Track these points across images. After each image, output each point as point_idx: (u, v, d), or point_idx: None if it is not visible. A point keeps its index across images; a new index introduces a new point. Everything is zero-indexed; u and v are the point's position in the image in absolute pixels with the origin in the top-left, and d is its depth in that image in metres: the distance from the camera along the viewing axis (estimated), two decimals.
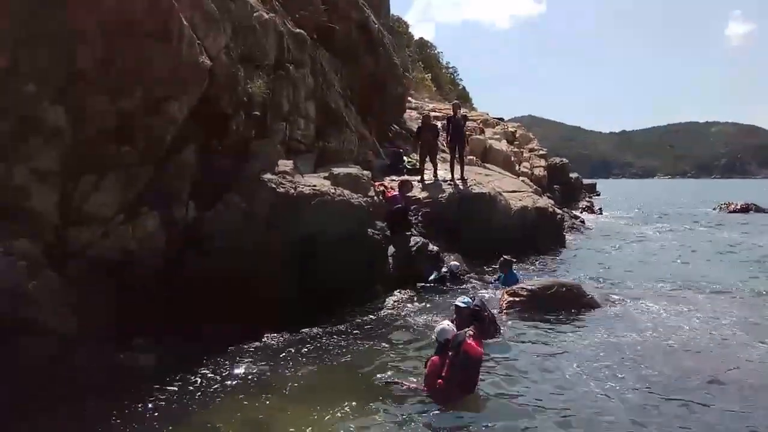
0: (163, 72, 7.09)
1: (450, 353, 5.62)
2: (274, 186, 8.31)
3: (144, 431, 5.05)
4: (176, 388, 5.86)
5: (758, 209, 32.08)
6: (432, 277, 10.60)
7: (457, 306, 7.12)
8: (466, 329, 5.99)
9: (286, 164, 9.01)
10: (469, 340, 5.72)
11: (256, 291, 7.62)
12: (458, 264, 11.13)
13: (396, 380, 6.09)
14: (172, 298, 7.09)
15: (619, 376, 6.31)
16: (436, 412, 5.41)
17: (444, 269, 10.84)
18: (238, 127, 8.60)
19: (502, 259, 10.41)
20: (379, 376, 6.31)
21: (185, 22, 7.15)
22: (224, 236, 7.76)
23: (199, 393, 5.82)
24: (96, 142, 6.72)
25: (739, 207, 32.75)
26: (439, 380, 5.56)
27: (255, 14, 9.38)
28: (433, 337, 6.12)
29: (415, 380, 6.00)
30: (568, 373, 6.42)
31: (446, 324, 6.06)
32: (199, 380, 6.09)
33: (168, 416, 5.29)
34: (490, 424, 5.23)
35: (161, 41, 6.96)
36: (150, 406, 5.47)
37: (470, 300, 7.31)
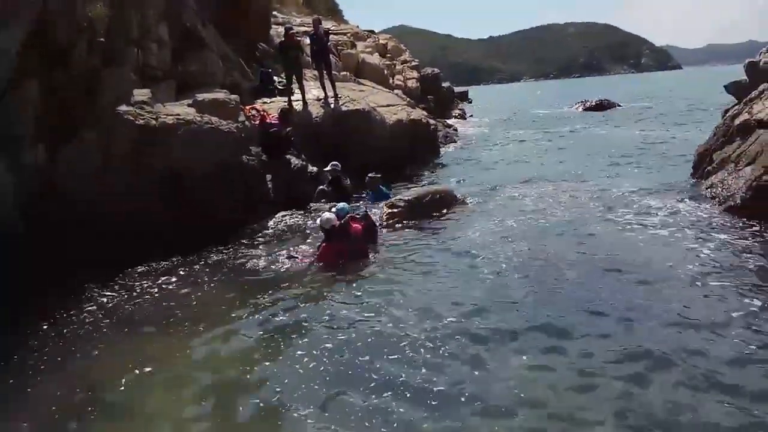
0: None
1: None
2: (131, 118, 7.77)
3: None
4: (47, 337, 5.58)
5: (610, 104, 35.08)
6: (319, 188, 10.54)
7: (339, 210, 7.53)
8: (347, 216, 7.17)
9: (142, 94, 8.39)
10: (353, 223, 7.13)
11: (125, 230, 7.29)
12: (336, 163, 10.79)
13: (295, 255, 7.22)
14: (30, 249, 6.60)
15: (494, 258, 7.00)
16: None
17: (328, 174, 10.71)
18: (82, 56, 7.80)
19: (369, 176, 10.59)
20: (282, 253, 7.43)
21: None
22: (83, 177, 7.23)
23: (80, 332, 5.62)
24: None
25: (594, 104, 35.51)
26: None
27: None
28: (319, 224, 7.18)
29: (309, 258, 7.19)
30: (457, 265, 6.98)
31: (329, 213, 7.11)
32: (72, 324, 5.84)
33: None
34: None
35: None
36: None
37: (346, 206, 7.85)
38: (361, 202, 10.63)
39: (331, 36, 16.71)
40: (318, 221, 7.34)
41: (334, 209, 7.60)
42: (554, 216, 8.84)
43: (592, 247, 7.30)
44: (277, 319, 5.67)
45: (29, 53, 7.01)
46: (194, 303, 6.16)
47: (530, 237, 7.82)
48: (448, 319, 5.33)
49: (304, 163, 11.23)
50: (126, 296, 6.42)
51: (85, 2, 7.93)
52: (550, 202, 9.79)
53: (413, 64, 28.44)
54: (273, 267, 7.16)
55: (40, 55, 7.25)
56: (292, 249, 7.74)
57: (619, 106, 34.74)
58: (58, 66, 7.57)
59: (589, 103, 35.64)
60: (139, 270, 7.14)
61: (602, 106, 34.82)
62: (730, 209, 8.19)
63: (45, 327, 5.70)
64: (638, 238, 7.60)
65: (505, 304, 5.70)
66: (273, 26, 18.48)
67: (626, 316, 5.25)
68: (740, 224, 7.68)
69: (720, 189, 8.82)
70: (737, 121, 9.65)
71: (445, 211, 9.34)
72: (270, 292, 6.36)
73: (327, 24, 23.39)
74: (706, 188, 9.31)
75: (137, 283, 6.79)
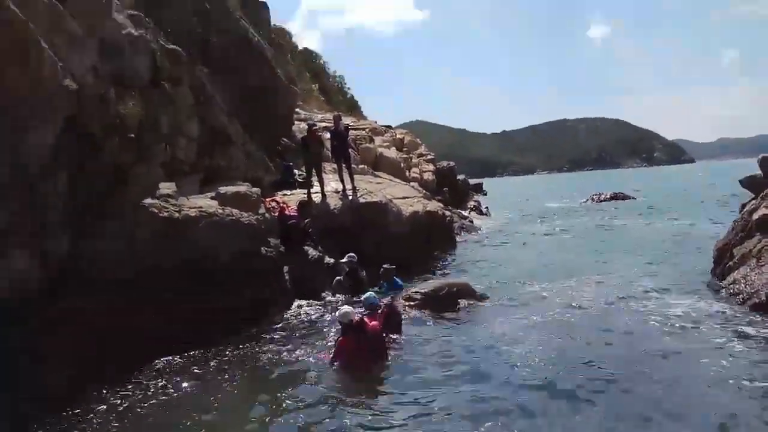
0: (24, 98, 6.59)
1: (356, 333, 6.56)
2: (155, 211, 7.98)
3: None
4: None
5: (624, 197, 35.37)
6: (336, 279, 10.53)
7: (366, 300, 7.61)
8: (363, 312, 7.05)
9: (168, 187, 8.67)
10: (367, 320, 6.80)
11: (145, 320, 7.28)
12: (353, 255, 10.86)
13: (317, 354, 7.09)
14: (51, 339, 6.59)
15: (518, 352, 6.83)
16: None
17: (345, 266, 10.75)
18: (112, 151, 8.15)
19: (384, 267, 10.60)
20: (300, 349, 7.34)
21: (44, 44, 6.68)
22: (106, 266, 7.33)
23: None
24: None
25: (608, 196, 35.81)
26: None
27: (124, 32, 8.95)
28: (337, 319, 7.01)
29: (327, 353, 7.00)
30: (475, 362, 6.84)
31: (347, 307, 6.97)
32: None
33: None
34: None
35: (18, 66, 6.46)
36: None
37: (373, 295, 7.85)
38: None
39: (350, 131, 17.37)
40: (336, 314, 7.26)
41: (362, 298, 7.63)
42: (575, 312, 8.72)
43: (618, 344, 7.17)
44: (297, 423, 5.44)
45: (60, 147, 7.33)
46: (211, 402, 5.94)
47: (553, 335, 7.66)
48: (480, 425, 5.13)
49: (321, 254, 11.32)
50: (141, 396, 6.17)
51: (118, 101, 8.39)
52: (570, 296, 9.67)
53: (429, 157, 29.26)
54: (291, 364, 6.97)
55: (71, 150, 7.58)
56: (309, 344, 7.61)
57: (633, 198, 34.99)
58: (89, 160, 7.90)
59: (603, 196, 35.96)
60: (155, 367, 6.94)
61: (616, 198, 35.12)
62: (755, 306, 8.00)
63: (55, 427, 5.53)
64: (665, 337, 7.44)
65: (533, 405, 5.53)
66: (296, 122, 19.31)
67: (661, 419, 5.08)
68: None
69: (743, 285, 8.68)
70: (755, 216, 9.64)
71: (462, 304, 9.23)
72: (289, 390, 6.16)
73: (347, 119, 24.40)
74: (729, 284, 9.16)
75: (152, 382, 6.55)
